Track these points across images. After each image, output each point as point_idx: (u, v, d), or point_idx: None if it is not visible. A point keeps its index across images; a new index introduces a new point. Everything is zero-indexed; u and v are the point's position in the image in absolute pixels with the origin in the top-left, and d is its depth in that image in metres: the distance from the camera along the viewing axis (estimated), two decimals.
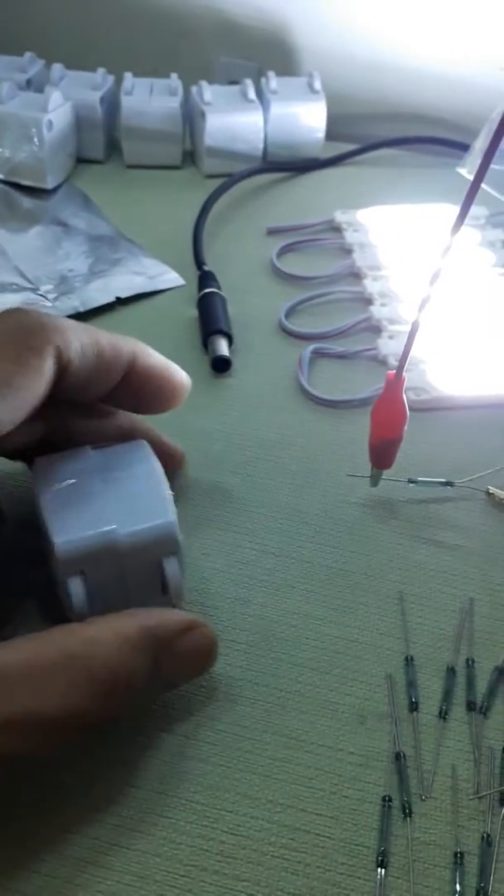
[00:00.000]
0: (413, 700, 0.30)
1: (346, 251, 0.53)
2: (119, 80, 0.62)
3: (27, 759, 0.24)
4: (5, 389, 0.25)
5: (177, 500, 0.30)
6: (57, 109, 0.57)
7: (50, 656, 0.24)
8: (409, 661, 0.31)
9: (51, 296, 0.48)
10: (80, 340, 0.28)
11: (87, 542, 0.27)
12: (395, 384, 0.32)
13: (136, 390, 0.31)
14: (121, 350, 0.29)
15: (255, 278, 0.52)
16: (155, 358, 0.31)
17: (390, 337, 0.45)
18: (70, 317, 0.46)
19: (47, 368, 0.26)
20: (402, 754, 0.28)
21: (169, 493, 0.30)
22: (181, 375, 0.32)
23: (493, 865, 0.26)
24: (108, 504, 0.28)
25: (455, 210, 0.55)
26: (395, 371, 0.31)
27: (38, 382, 0.26)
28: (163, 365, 0.31)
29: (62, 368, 0.27)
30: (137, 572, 0.28)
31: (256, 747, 0.28)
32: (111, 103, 0.62)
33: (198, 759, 0.28)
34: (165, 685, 0.28)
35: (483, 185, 0.60)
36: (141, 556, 0.28)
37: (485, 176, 0.28)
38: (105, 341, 0.29)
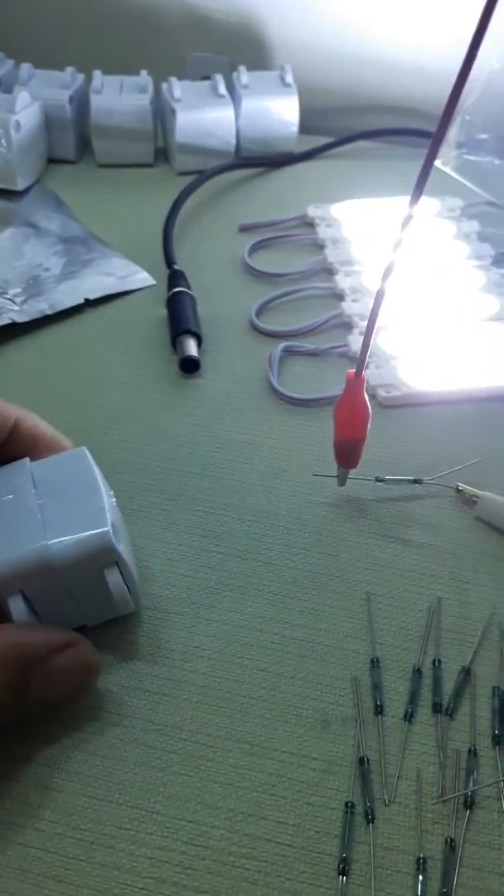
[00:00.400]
0: (378, 703, 0.29)
1: (319, 247, 0.53)
2: (89, 79, 0.61)
3: None
4: None
5: (127, 506, 0.29)
6: (25, 110, 0.56)
7: None
8: (374, 663, 0.31)
9: (18, 299, 0.47)
10: None
11: (19, 561, 0.27)
12: (354, 383, 0.31)
13: (20, 454, 0.31)
14: (4, 414, 0.30)
15: (226, 276, 0.51)
16: (43, 426, 0.31)
17: (361, 333, 0.45)
18: (38, 320, 0.46)
19: None
20: (366, 759, 0.28)
21: (108, 501, 0.29)
22: (68, 445, 0.32)
23: (457, 870, 0.25)
24: (44, 518, 0.28)
25: (430, 202, 0.54)
26: (354, 370, 0.31)
27: None
28: (51, 432, 0.31)
29: None
30: (81, 584, 0.28)
31: (218, 755, 0.28)
32: (81, 102, 0.61)
33: (158, 768, 0.28)
34: (37, 703, 0.27)
35: (458, 177, 0.60)
36: (79, 568, 0.27)
37: (434, 158, 0.27)
38: None
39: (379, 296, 0.28)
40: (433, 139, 0.25)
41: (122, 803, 0.27)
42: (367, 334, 0.29)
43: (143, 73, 0.61)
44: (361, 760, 0.28)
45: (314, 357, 0.45)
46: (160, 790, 0.27)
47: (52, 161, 0.62)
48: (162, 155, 0.63)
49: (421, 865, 0.25)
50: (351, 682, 0.30)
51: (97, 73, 0.61)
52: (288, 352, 0.45)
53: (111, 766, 0.28)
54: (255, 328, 0.47)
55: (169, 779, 0.27)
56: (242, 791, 0.27)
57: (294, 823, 0.27)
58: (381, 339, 0.44)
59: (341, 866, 0.25)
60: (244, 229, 0.55)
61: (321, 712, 0.29)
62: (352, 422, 0.32)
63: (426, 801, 0.27)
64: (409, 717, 0.29)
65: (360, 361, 0.30)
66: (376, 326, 0.29)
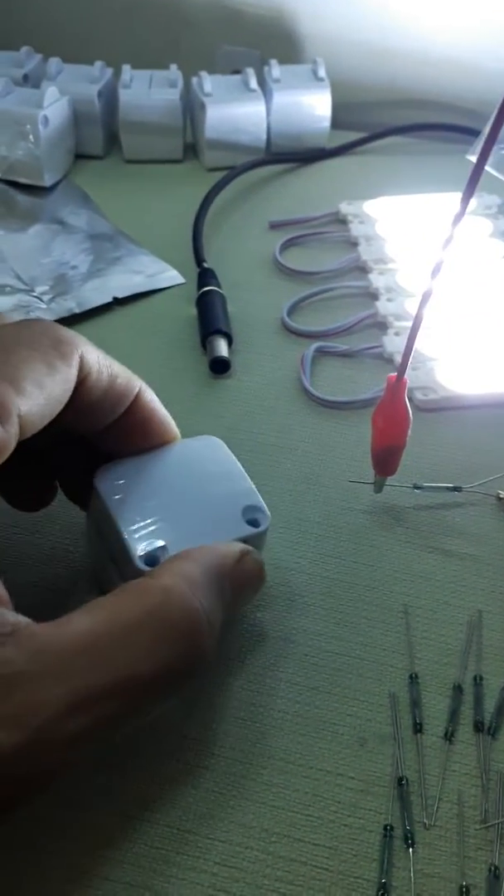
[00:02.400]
0: (417, 721, 0.28)
1: (352, 244, 0.51)
2: (118, 73, 0.60)
3: (129, 722, 0.23)
4: (38, 391, 0.24)
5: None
6: (53, 105, 0.55)
7: (130, 615, 0.23)
8: (413, 678, 0.30)
9: (46, 297, 0.46)
10: (98, 358, 0.27)
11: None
12: (396, 388, 0.30)
13: (133, 428, 0.30)
14: (132, 379, 0.29)
15: (256, 274, 0.50)
16: (158, 404, 0.31)
17: (396, 334, 0.44)
18: (66, 318, 0.45)
19: (73, 375, 0.26)
20: (405, 779, 0.27)
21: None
22: (174, 427, 0.31)
23: None
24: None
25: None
26: (395, 374, 0.30)
27: (65, 387, 0.26)
28: (164, 412, 0.31)
29: (80, 381, 0.27)
30: None
31: (251, 772, 0.27)
32: (109, 97, 0.60)
33: (190, 784, 0.27)
34: (231, 616, 0.27)
35: (496, 173, 0.58)
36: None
37: (488, 159, 0.26)
38: (119, 367, 0.28)
39: (425, 296, 0.27)
40: (486, 140, 0.24)
41: (153, 821, 0.26)
42: (412, 336, 0.28)
43: (173, 67, 0.61)
44: (400, 781, 0.27)
45: (347, 358, 0.44)
46: (192, 807, 0.26)
47: (80, 157, 0.61)
48: (191, 150, 0.62)
49: (464, 893, 0.24)
50: (388, 698, 0.29)
51: (126, 68, 0.60)
52: (320, 352, 0.44)
53: (142, 781, 0.27)
54: (287, 328, 0.46)
55: (201, 796, 0.26)
56: (276, 810, 0.26)
57: (330, 846, 0.25)
58: (418, 341, 0.43)
59: (380, 893, 0.24)
60: (275, 226, 0.54)
61: (358, 729, 0.28)
62: (392, 428, 0.31)
63: (468, 825, 0.26)
64: (449, 736, 0.28)
65: (402, 364, 0.29)
66: (419, 329, 0.28)
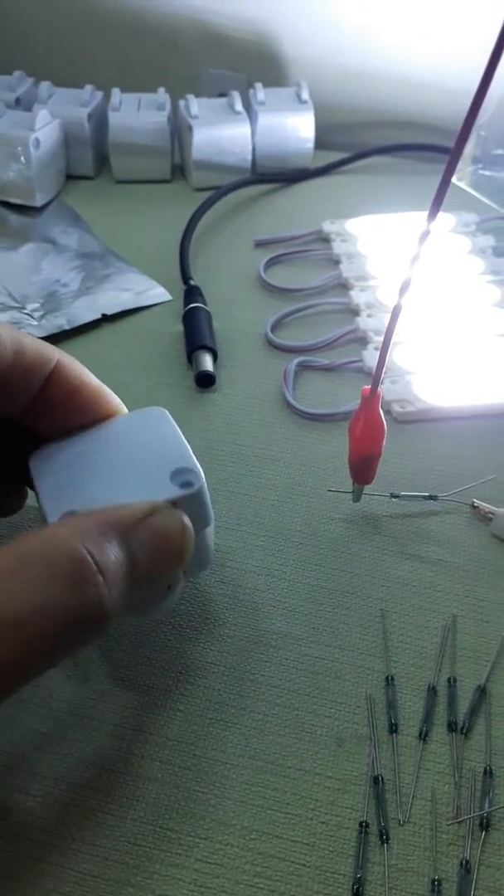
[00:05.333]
0: (393, 721, 0.29)
1: (334, 262, 0.53)
2: (108, 96, 0.62)
3: (29, 668, 0.22)
4: None
5: None
6: (44, 127, 0.57)
7: (7, 559, 0.23)
8: (389, 680, 0.31)
9: (37, 314, 0.48)
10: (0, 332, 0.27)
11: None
12: (370, 400, 0.31)
13: (59, 404, 0.29)
14: (45, 351, 0.28)
15: (241, 291, 0.51)
16: (88, 376, 0.29)
17: (376, 348, 0.45)
18: (56, 335, 0.47)
19: None
20: (380, 778, 0.28)
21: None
22: (113, 399, 0.30)
23: (472, 893, 0.25)
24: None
25: (446, 218, 0.54)
26: (369, 386, 0.31)
27: None
28: (97, 384, 0.30)
29: None
30: None
31: (232, 772, 0.28)
32: (99, 119, 0.62)
33: (172, 784, 0.28)
34: (148, 577, 0.25)
35: (473, 192, 0.60)
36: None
37: (452, 174, 0.27)
38: (30, 339, 0.28)
39: (395, 312, 0.28)
40: (451, 156, 0.25)
41: (136, 819, 0.27)
42: (383, 350, 0.29)
43: (161, 90, 0.62)
44: (376, 779, 0.28)
45: (329, 372, 0.45)
46: (174, 807, 0.27)
47: (70, 177, 0.62)
48: (178, 171, 0.64)
49: (436, 887, 0.25)
50: (365, 699, 0.30)
51: (115, 91, 0.61)
52: (303, 367, 0.45)
53: (125, 781, 0.28)
54: (271, 343, 0.47)
55: (183, 795, 0.27)
56: (256, 809, 0.27)
57: (308, 842, 0.26)
58: (396, 355, 0.44)
59: (355, 887, 0.25)
60: (260, 244, 0.55)
61: (335, 730, 0.29)
62: (367, 438, 0.32)
63: (441, 821, 0.27)
64: (423, 736, 0.29)
65: (375, 377, 0.30)
66: (392, 342, 0.29)
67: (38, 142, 0.56)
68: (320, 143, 0.63)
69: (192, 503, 0.27)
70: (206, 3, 0.67)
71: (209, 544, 0.30)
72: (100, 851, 0.26)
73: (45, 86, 0.62)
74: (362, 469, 0.34)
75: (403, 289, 0.28)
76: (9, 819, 0.27)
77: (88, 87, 0.62)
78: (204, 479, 0.28)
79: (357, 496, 0.35)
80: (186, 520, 0.26)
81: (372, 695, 0.30)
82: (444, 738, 0.29)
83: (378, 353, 0.43)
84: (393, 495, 0.36)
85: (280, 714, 0.30)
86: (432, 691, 0.30)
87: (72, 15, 0.69)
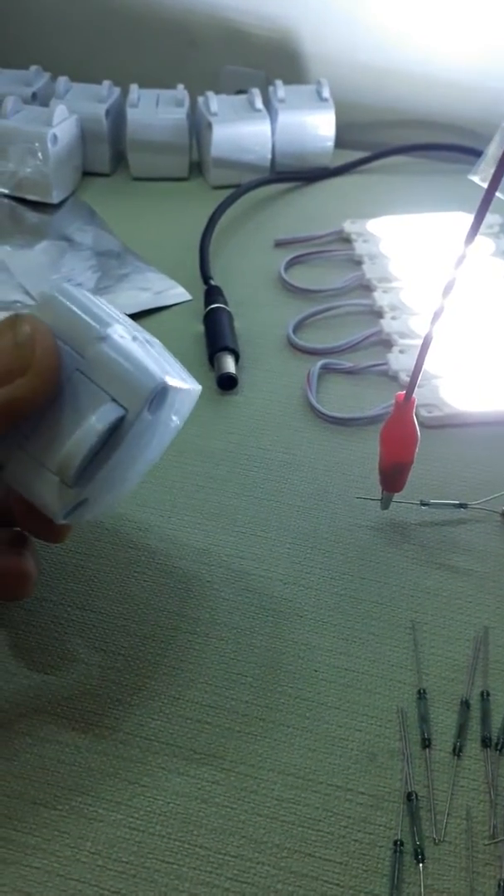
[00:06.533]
0: (426, 736, 0.29)
1: (356, 263, 0.52)
2: (125, 92, 0.61)
3: None
4: None
5: (165, 525, 0.29)
6: (62, 123, 0.56)
7: None
8: (421, 694, 0.30)
9: None
10: None
11: None
12: (404, 406, 0.30)
13: None
14: None
15: (262, 292, 0.51)
16: None
17: (401, 351, 0.44)
18: None
19: None
20: (414, 794, 0.27)
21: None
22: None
23: None
24: None
25: (468, 219, 0.54)
26: (404, 392, 0.30)
27: None
28: None
29: None
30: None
31: (262, 787, 0.27)
32: (117, 115, 0.61)
33: (201, 799, 0.27)
34: None
35: (497, 194, 0.59)
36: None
37: (499, 184, 0.27)
38: None
39: (436, 315, 0.27)
40: (488, 188, 0.25)
41: (165, 835, 0.26)
42: (421, 355, 0.29)
43: (180, 87, 0.61)
44: (409, 796, 0.27)
45: (352, 375, 0.44)
46: (203, 822, 0.26)
47: (87, 174, 0.62)
48: (196, 168, 0.63)
49: None
50: (397, 713, 0.29)
51: (133, 87, 0.61)
52: (325, 369, 0.44)
53: (153, 795, 0.27)
54: (293, 345, 0.46)
55: (212, 811, 0.27)
56: (288, 826, 0.26)
57: (341, 861, 0.26)
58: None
59: None
60: (280, 244, 0.54)
61: (367, 744, 0.29)
62: (401, 445, 0.31)
63: (477, 840, 0.26)
64: (457, 752, 0.28)
65: (410, 384, 0.30)
66: (419, 344, 0.29)
67: (55, 138, 0.55)
68: (339, 141, 0.62)
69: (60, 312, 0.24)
70: None
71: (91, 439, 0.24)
72: (128, 869, 0.25)
73: (62, 81, 0.61)
74: (393, 477, 0.33)
75: (447, 290, 0.27)
76: (32, 832, 0.26)
77: (106, 83, 0.61)
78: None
79: (386, 504, 0.35)
80: (34, 326, 0.23)
81: (404, 708, 0.30)
82: (478, 753, 0.28)
83: (406, 355, 0.43)
84: (422, 503, 0.36)
85: (310, 727, 0.29)
86: (465, 705, 0.30)
87: (89, 9, 0.69)
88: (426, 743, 0.29)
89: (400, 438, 0.31)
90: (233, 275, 0.51)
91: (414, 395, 0.30)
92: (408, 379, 0.43)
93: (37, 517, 0.26)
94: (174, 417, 0.27)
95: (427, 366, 0.43)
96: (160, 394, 0.24)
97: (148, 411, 0.24)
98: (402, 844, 0.26)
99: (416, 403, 0.40)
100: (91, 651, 0.31)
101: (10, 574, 0.28)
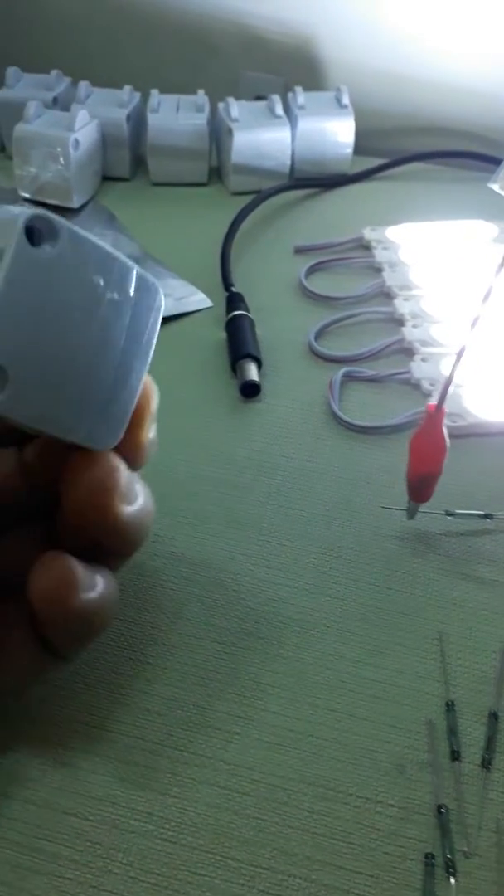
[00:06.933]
0: (454, 748, 0.29)
1: (376, 270, 0.52)
2: (146, 97, 0.61)
3: None
4: None
5: (190, 534, 0.28)
6: (83, 128, 0.56)
7: None
8: (449, 706, 0.30)
9: None
10: None
11: None
12: (435, 417, 0.30)
13: None
14: None
15: (283, 298, 0.51)
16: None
17: (423, 360, 0.44)
18: None
19: None
20: (444, 807, 0.27)
21: None
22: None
23: None
24: None
25: (488, 227, 0.54)
26: (434, 403, 0.30)
27: None
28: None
29: None
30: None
31: (293, 798, 0.27)
32: (137, 121, 0.61)
33: (232, 811, 0.27)
34: None
35: None
36: None
37: None
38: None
39: (473, 323, 0.27)
40: None
41: (196, 847, 0.26)
42: (453, 368, 0.28)
43: (200, 92, 0.61)
44: (440, 809, 0.27)
45: (374, 383, 0.44)
46: (234, 834, 0.26)
47: (106, 178, 0.62)
48: (214, 174, 0.63)
49: None
50: (425, 725, 0.29)
51: (154, 93, 0.61)
52: (348, 377, 0.44)
53: (184, 806, 0.27)
54: (314, 352, 0.46)
55: (243, 822, 0.27)
56: (319, 838, 0.26)
57: (372, 874, 0.26)
58: (445, 366, 0.43)
59: None
60: (300, 251, 0.54)
61: (396, 756, 0.29)
62: (431, 456, 0.31)
63: None
64: (486, 765, 0.28)
65: (441, 395, 0.30)
66: (441, 352, 0.29)
67: (77, 142, 0.55)
68: (358, 148, 0.63)
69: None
70: (245, 5, 0.66)
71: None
72: (160, 881, 0.25)
73: (83, 85, 0.61)
74: (421, 487, 0.33)
75: (486, 297, 0.27)
76: (65, 845, 0.26)
77: (127, 88, 0.61)
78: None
79: (412, 513, 0.35)
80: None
81: (432, 720, 0.29)
82: None
83: (429, 364, 0.43)
84: (448, 513, 0.36)
85: (339, 739, 0.29)
86: (493, 717, 0.29)
87: (109, 14, 0.69)
88: (455, 755, 0.28)
89: (430, 449, 0.31)
90: (253, 281, 0.51)
91: (444, 406, 0.30)
92: (430, 387, 0.43)
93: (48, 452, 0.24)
94: (114, 294, 0.23)
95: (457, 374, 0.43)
96: (50, 232, 0.21)
97: (34, 246, 0.21)
98: (433, 858, 0.26)
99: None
100: (118, 660, 0.31)
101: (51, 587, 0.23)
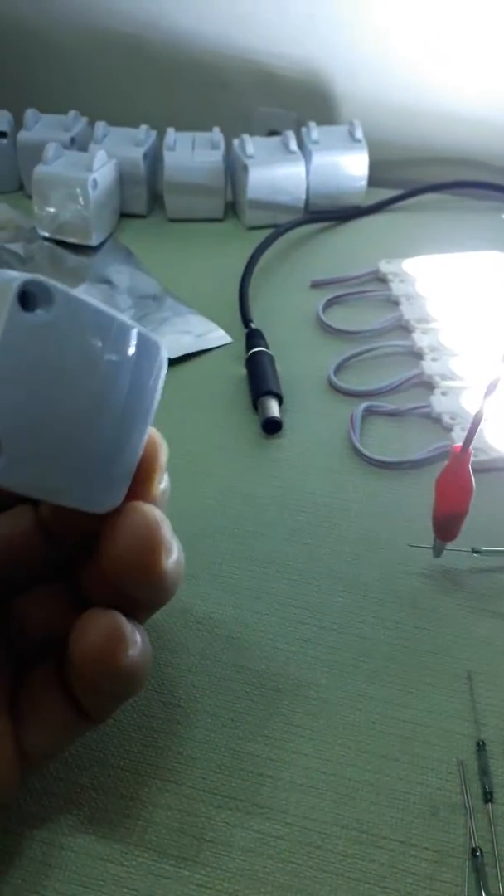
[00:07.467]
0: (487, 789, 0.29)
1: (393, 303, 0.53)
2: (161, 135, 0.63)
3: None
4: None
5: (217, 573, 0.29)
6: (101, 168, 0.57)
7: None
8: (480, 745, 0.30)
9: None
10: None
11: None
12: (461, 458, 0.31)
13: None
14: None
15: (301, 333, 0.51)
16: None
17: (443, 393, 0.45)
18: None
19: None
20: (478, 850, 0.27)
21: None
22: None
23: None
24: None
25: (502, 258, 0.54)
26: (460, 445, 0.31)
27: None
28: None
29: None
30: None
31: (326, 842, 0.27)
32: (154, 158, 0.62)
33: (266, 855, 0.27)
34: None
35: None
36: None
37: None
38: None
39: (491, 387, 0.28)
40: None
41: (231, 892, 0.26)
42: (478, 413, 0.29)
43: (216, 129, 0.63)
44: (474, 852, 0.27)
45: (395, 417, 0.45)
46: (269, 879, 0.26)
47: (124, 215, 0.63)
48: (230, 208, 0.64)
49: None
50: (457, 765, 0.29)
51: (170, 131, 0.62)
52: (368, 412, 0.45)
53: (218, 851, 0.27)
54: (334, 387, 0.47)
55: (278, 867, 0.27)
56: (354, 882, 0.26)
57: None
58: (466, 401, 0.44)
59: None
60: (316, 285, 0.55)
61: (429, 798, 0.29)
62: (457, 496, 0.31)
63: None
64: None
65: (468, 436, 0.30)
66: (461, 386, 0.29)
67: (95, 182, 0.56)
68: (372, 179, 0.63)
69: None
70: (256, 42, 0.68)
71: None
72: None
73: (100, 125, 0.62)
74: (447, 526, 0.33)
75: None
76: (102, 891, 0.26)
77: (143, 127, 0.63)
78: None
79: (438, 551, 0.35)
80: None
81: (464, 761, 0.30)
82: None
83: (448, 397, 0.43)
84: (474, 550, 0.36)
85: (371, 780, 0.29)
86: None
87: (123, 54, 0.70)
88: (488, 797, 0.29)
89: (456, 489, 0.31)
90: (271, 316, 0.52)
91: (471, 448, 0.30)
92: (451, 421, 0.43)
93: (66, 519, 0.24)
94: (112, 355, 0.23)
95: (471, 408, 0.43)
96: (44, 297, 0.21)
97: (28, 311, 0.21)
98: None
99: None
100: (149, 702, 0.31)
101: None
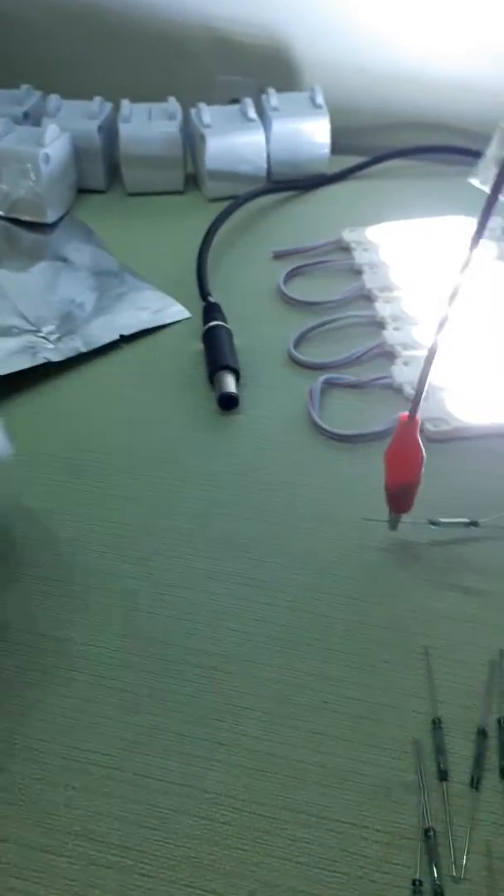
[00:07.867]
0: (442, 768, 0.28)
1: (356, 272, 0.51)
2: (117, 107, 0.61)
3: None
4: None
5: (170, 553, 0.28)
6: (54, 142, 0.55)
7: None
8: (436, 723, 0.29)
9: (52, 337, 0.46)
10: None
11: None
12: (408, 426, 0.30)
13: None
14: None
15: (261, 305, 0.50)
16: None
17: (405, 363, 0.43)
18: (73, 358, 0.45)
19: None
20: (431, 830, 0.26)
21: None
22: None
23: None
24: None
25: (469, 222, 0.52)
26: (407, 412, 0.29)
27: None
28: None
29: None
30: None
31: (275, 826, 0.27)
32: (110, 131, 0.61)
33: (212, 841, 0.26)
34: None
35: (501, 197, 0.58)
36: None
37: (502, 188, 0.26)
38: None
39: (440, 325, 0.27)
40: (491, 192, 0.24)
41: (176, 881, 0.25)
42: (424, 373, 0.28)
43: (172, 99, 0.61)
44: (427, 832, 0.26)
45: (356, 389, 0.43)
46: (215, 866, 0.26)
47: (81, 191, 0.61)
48: (192, 181, 0.62)
49: None
50: (412, 744, 0.29)
51: (125, 102, 0.60)
52: (329, 384, 0.43)
53: (162, 839, 0.26)
54: (294, 360, 0.45)
55: (224, 854, 0.26)
56: (303, 867, 0.26)
57: None
58: None
59: None
60: (278, 256, 0.53)
61: (382, 778, 0.28)
62: (406, 467, 0.30)
63: (499, 878, 0.25)
64: (475, 784, 0.27)
65: (414, 403, 0.29)
66: (423, 355, 0.28)
67: (48, 157, 0.54)
68: (336, 146, 0.62)
69: None
70: (216, 8, 0.65)
71: None
72: None
73: (53, 99, 0.60)
74: (400, 498, 0.32)
75: (440, 326, 0.26)
76: (42, 883, 0.25)
77: (97, 99, 0.61)
78: None
79: (394, 524, 0.34)
80: None
81: (419, 739, 0.29)
82: (497, 785, 0.27)
83: (411, 368, 0.42)
84: (431, 522, 0.35)
85: (322, 762, 0.28)
86: (482, 734, 0.29)
87: (77, 25, 0.68)
88: (442, 775, 0.28)
89: (405, 459, 0.30)
90: (231, 289, 0.51)
91: (418, 414, 0.29)
92: (412, 392, 0.42)
93: None
94: None
95: (432, 378, 0.42)
96: None
97: None
98: (420, 884, 0.25)
99: (420, 420, 0.40)
100: (97, 689, 0.30)
101: None
